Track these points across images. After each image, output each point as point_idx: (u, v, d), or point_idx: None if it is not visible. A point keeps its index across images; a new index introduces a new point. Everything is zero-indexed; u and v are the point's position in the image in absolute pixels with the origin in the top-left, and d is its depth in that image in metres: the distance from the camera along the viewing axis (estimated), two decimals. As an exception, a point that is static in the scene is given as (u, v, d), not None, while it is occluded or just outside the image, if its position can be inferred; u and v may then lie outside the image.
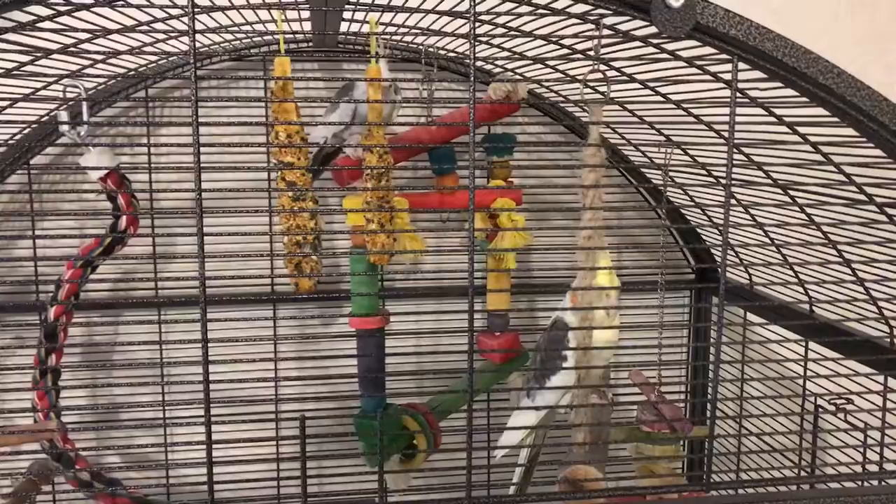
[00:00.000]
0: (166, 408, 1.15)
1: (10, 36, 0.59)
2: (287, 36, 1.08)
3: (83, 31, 0.63)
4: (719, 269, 1.32)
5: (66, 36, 0.68)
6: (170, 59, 1.08)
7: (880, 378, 0.86)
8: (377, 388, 0.95)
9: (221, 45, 1.08)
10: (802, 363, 0.98)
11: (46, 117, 1.01)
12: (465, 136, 1.03)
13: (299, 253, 0.76)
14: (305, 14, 0.85)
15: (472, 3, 0.55)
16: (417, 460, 0.97)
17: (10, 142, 1.05)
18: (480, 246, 1.08)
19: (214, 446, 0.60)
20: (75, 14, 0.62)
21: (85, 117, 0.83)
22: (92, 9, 0.62)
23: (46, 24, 0.60)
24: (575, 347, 0.79)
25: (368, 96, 0.80)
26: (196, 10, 0.54)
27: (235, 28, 0.84)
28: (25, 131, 1.05)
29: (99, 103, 1.08)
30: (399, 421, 0.93)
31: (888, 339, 0.87)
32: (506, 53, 0.98)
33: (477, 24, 0.56)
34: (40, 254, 1.15)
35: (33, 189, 1.15)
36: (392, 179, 0.83)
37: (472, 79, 0.57)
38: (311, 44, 1.13)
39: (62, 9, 0.59)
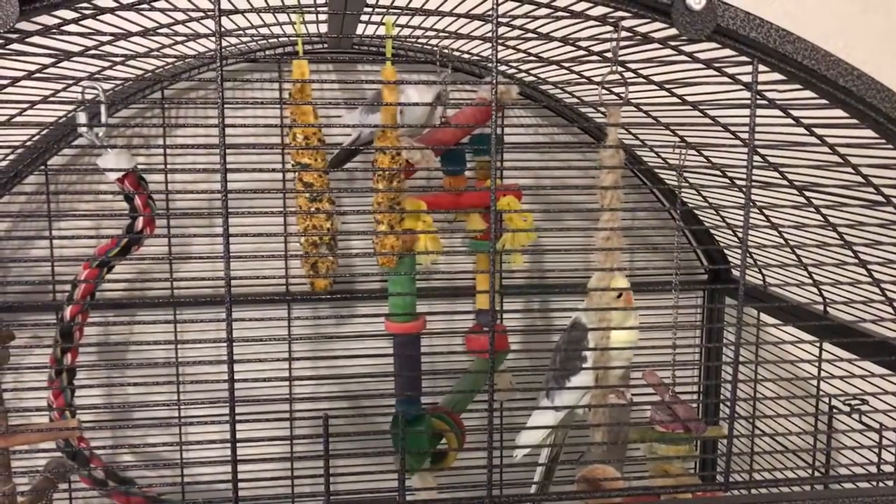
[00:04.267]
0: (181, 407, 1.16)
1: (31, 38, 0.60)
2: (303, 36, 1.08)
3: (105, 33, 0.64)
4: (733, 270, 1.33)
5: (88, 38, 0.69)
6: (185, 60, 1.09)
7: (895, 379, 0.86)
8: (416, 391, 0.96)
9: (238, 46, 1.09)
10: (817, 364, 0.98)
11: (64, 119, 1.01)
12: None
13: (316, 253, 0.77)
14: (322, 16, 0.85)
15: (495, 5, 0.56)
16: (449, 459, 0.98)
17: (28, 143, 1.05)
18: (473, 246, 1.08)
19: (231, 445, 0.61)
20: (98, 17, 0.63)
21: (103, 119, 0.83)
22: (116, 12, 0.62)
23: (69, 28, 0.61)
24: (594, 348, 0.79)
25: (383, 98, 0.80)
26: (222, 13, 0.55)
27: (254, 31, 0.85)
28: (43, 132, 1.06)
29: (116, 104, 1.09)
30: (430, 423, 0.94)
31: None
32: (520, 55, 0.98)
33: (498, 26, 0.57)
34: (57, 254, 1.16)
35: (50, 190, 1.15)
36: (403, 181, 0.83)
37: (494, 81, 0.57)
38: (326, 45, 1.14)
39: (87, 12, 0.60)
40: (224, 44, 1.05)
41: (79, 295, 1.00)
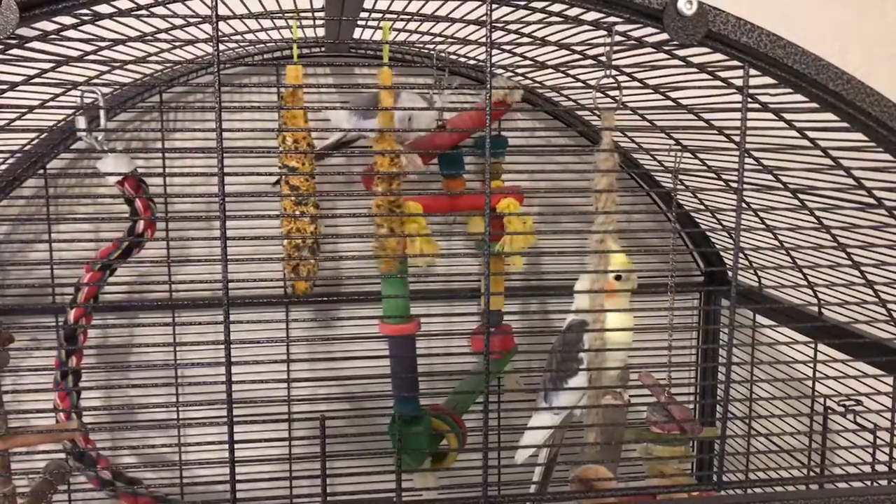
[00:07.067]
0: (180, 408, 1.17)
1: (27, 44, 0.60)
2: (299, 40, 1.09)
3: (104, 39, 0.64)
4: (729, 272, 1.34)
5: (87, 44, 0.69)
6: (183, 65, 1.09)
7: (889, 379, 0.86)
8: (413, 392, 0.96)
9: (235, 50, 1.09)
10: (812, 365, 0.99)
11: (63, 123, 1.02)
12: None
13: (297, 257, 0.77)
14: (319, 21, 0.86)
15: (489, 10, 0.56)
16: (449, 460, 0.98)
17: (27, 147, 1.06)
18: (480, 248, 1.09)
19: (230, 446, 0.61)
20: (97, 22, 0.63)
21: (102, 123, 0.84)
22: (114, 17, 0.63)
23: (69, 33, 0.61)
24: (590, 349, 0.80)
25: (382, 101, 0.80)
26: (219, 18, 0.55)
27: (251, 36, 0.85)
28: (42, 136, 1.06)
29: (115, 108, 1.09)
30: (430, 423, 0.95)
31: (897, 341, 0.88)
32: (514, 59, 0.99)
33: (493, 30, 0.57)
34: (56, 257, 1.17)
35: (49, 194, 1.16)
36: (401, 184, 0.83)
37: (488, 85, 0.58)
38: (323, 49, 1.14)
39: (86, 18, 0.60)
40: (221, 48, 1.06)
41: (82, 298, 1.00)
